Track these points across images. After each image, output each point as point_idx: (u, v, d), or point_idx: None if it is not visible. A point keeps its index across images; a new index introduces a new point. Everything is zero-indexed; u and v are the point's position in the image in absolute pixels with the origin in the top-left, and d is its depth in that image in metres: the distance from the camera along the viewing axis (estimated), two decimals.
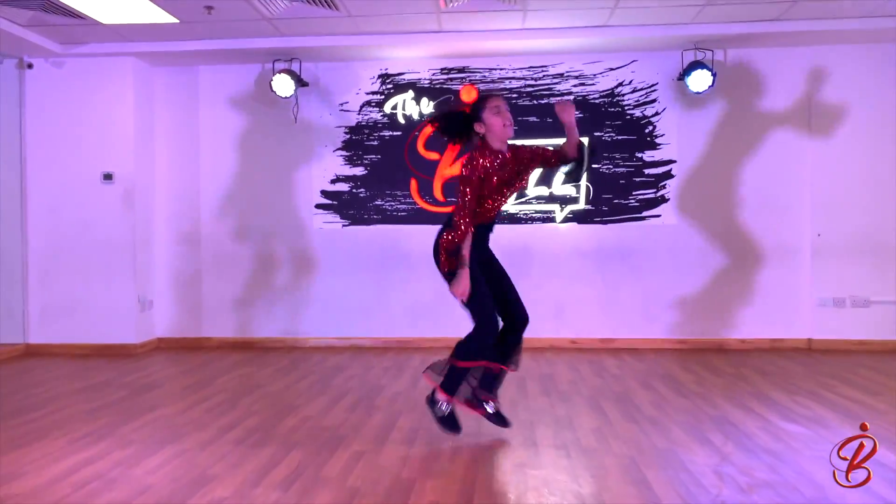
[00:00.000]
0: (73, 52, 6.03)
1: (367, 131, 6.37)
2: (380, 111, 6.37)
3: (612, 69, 6.20)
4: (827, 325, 6.05)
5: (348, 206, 6.41)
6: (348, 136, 6.40)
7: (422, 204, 6.33)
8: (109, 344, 6.13)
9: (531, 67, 6.25)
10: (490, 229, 3.54)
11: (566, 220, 6.23)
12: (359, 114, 6.38)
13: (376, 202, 6.39)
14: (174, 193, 6.54)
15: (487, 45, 5.97)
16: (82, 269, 6.17)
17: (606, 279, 6.23)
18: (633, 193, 6.21)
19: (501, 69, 6.27)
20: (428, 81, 6.32)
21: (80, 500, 2.73)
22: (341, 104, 6.39)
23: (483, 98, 3.48)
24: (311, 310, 6.42)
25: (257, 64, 6.38)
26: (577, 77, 6.22)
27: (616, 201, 6.21)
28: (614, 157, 6.20)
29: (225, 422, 3.86)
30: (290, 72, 6.05)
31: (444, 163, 6.28)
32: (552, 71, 6.23)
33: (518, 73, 6.25)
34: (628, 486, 2.83)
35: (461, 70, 6.30)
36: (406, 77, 6.34)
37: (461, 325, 6.06)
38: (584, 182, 6.19)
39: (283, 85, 6.00)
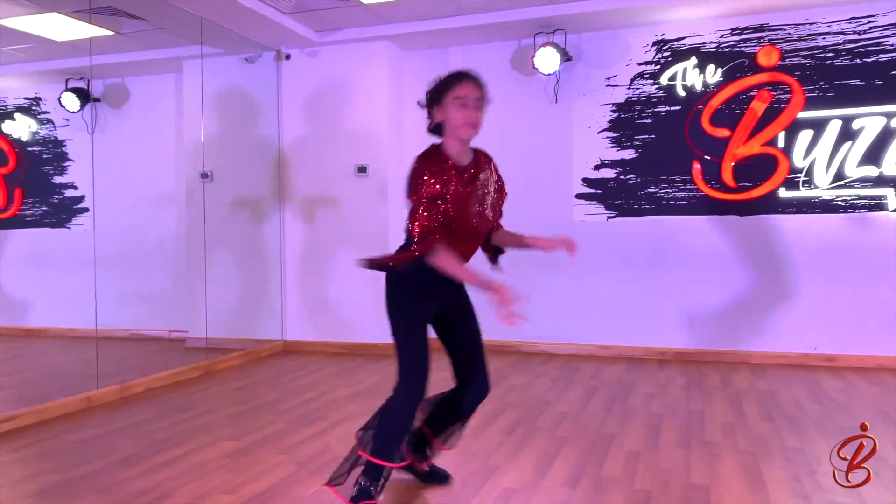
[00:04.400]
0: (329, 39, 5.83)
1: (638, 108, 5.53)
2: (654, 83, 5.50)
3: None
4: None
5: (614, 194, 5.61)
6: (616, 115, 5.60)
7: (706, 190, 5.36)
8: (360, 343, 5.86)
9: (852, 19, 5.04)
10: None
11: None
12: (629, 88, 5.56)
13: (649, 189, 5.52)
14: None
15: None
16: (334, 267, 5.96)
17: None
18: None
19: (812, 24, 5.12)
20: (715, 45, 5.34)
21: None
22: (608, 78, 5.60)
23: (454, 76, 2.41)
24: (558, 312, 5.71)
25: (513, 41, 5.80)
26: None
27: None
28: None
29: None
30: (554, 45, 5.37)
31: (737, 140, 5.26)
32: (882, 21, 4.98)
33: (834, 28, 5.07)
34: None
35: (758, 29, 5.24)
36: (687, 42, 5.41)
37: (746, 339, 5.09)
38: None
39: (548, 60, 5.34)
